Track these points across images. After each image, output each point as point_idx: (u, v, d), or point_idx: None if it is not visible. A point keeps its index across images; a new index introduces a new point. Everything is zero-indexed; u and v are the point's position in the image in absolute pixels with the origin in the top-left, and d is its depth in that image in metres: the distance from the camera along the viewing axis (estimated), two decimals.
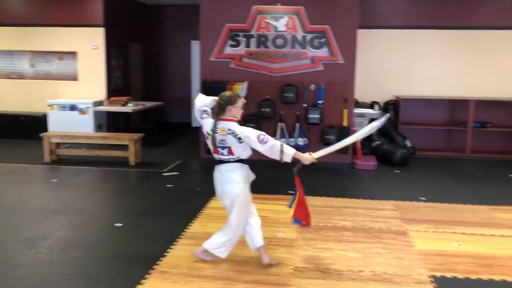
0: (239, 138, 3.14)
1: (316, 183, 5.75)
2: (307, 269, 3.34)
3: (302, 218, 3.41)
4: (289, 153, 3.13)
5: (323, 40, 6.45)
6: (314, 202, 4.91)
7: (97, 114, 8.33)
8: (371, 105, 7.95)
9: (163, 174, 6.13)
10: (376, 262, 3.47)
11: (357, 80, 7.92)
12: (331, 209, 4.74)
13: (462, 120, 7.73)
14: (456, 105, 7.95)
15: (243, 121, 6.53)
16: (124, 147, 6.70)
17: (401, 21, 7.95)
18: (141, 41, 10.53)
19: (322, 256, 3.57)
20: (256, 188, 5.40)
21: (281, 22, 6.47)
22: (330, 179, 6.07)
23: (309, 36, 6.46)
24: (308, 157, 3.20)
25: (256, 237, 3.40)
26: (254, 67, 6.60)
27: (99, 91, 8.66)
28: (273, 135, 6.60)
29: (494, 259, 3.55)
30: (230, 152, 3.20)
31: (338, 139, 6.45)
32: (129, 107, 8.19)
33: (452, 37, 7.89)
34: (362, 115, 6.91)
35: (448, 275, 3.27)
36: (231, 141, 3.17)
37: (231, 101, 3.23)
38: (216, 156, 3.29)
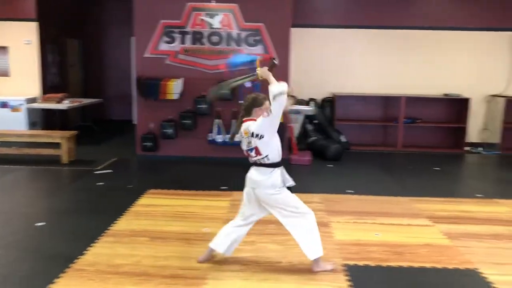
0: (257, 135, 3.01)
1: None
2: (227, 263, 3.40)
3: None
4: (280, 88, 3.02)
5: (257, 37, 6.53)
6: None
7: (30, 112, 8.05)
8: (307, 102, 8.14)
9: (95, 172, 6.01)
10: (295, 253, 3.56)
11: (295, 77, 8.10)
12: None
13: (395, 116, 8.07)
14: (389, 101, 8.28)
15: (179, 118, 6.59)
16: (58, 145, 6.51)
17: (337, 20, 8.17)
18: (80, 37, 10.25)
19: (243, 249, 3.63)
20: (188, 184, 5.48)
21: (216, 19, 6.50)
22: None
23: (244, 34, 6.53)
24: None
25: (217, 238, 3.35)
26: (190, 63, 6.60)
27: (33, 87, 8.36)
28: (209, 131, 6.65)
29: (406, 247, 3.75)
30: (258, 153, 3.07)
31: None
32: (65, 104, 7.97)
33: (386, 36, 8.20)
34: (298, 112, 7.04)
35: (361, 263, 3.43)
36: (254, 141, 3.04)
37: (257, 102, 3.10)
38: (250, 160, 3.18)
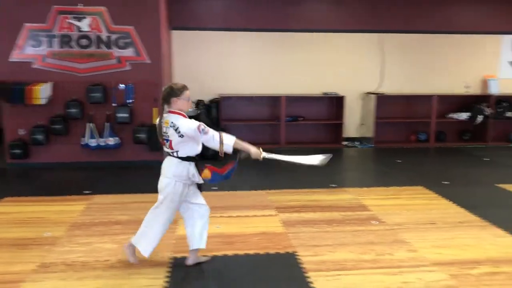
0: (179, 132, 3.07)
1: (125, 181, 5.87)
2: (53, 264, 3.39)
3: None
4: (229, 144, 3.13)
5: (128, 40, 6.54)
6: (102, 200, 5.01)
7: None
8: (196, 104, 8.26)
9: None
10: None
11: (181, 79, 8.19)
12: (117, 205, 4.83)
13: (279, 115, 8.40)
14: (273, 101, 8.61)
15: (50, 123, 6.44)
16: None
17: (221, 23, 8.37)
18: None
19: (77, 250, 3.65)
20: (53, 190, 5.39)
21: (84, 22, 6.42)
22: (140, 176, 6.19)
23: (114, 37, 6.51)
24: (256, 151, 3.23)
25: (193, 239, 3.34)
26: (59, 67, 6.47)
27: None
28: (82, 135, 6.55)
29: (240, 236, 3.95)
30: (170, 146, 3.15)
31: (149, 137, 6.65)
32: None
33: (268, 38, 8.52)
34: None
35: (188, 255, 3.55)
36: (171, 134, 3.10)
37: (174, 92, 3.15)
38: (164, 148, 3.25)
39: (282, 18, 8.50)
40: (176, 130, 3.10)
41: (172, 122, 3.13)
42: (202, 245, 3.36)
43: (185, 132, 3.08)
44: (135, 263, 3.37)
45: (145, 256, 3.32)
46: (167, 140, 3.17)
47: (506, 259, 3.50)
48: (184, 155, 3.18)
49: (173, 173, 3.20)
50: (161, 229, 3.31)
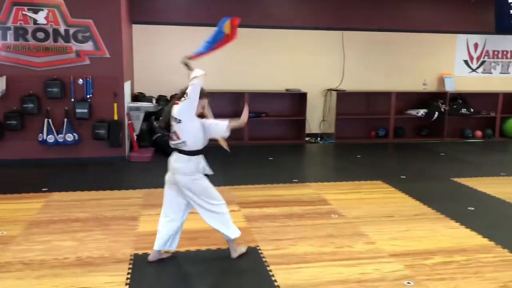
0: (175, 118, 3.11)
1: (84, 178, 5.76)
2: (9, 264, 3.30)
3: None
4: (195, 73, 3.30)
5: (87, 34, 6.38)
6: (60, 197, 4.89)
7: None
8: (157, 99, 8.16)
9: None
10: (87, 248, 3.58)
11: (142, 75, 8.12)
12: (76, 202, 4.73)
13: (241, 111, 8.39)
14: (236, 97, 8.62)
15: (4, 118, 6.21)
16: None
17: (182, 18, 8.28)
18: None
19: (35, 249, 3.56)
20: (6, 188, 5.21)
21: (41, 14, 6.22)
22: (100, 173, 6.08)
23: (72, 30, 6.34)
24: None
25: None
26: (14, 61, 6.24)
27: None
28: (39, 131, 6.36)
29: (203, 232, 3.92)
30: (177, 136, 3.15)
31: (109, 133, 6.54)
32: None
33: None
34: (138, 109, 7.03)
35: (150, 251, 3.53)
36: (174, 124, 3.16)
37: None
38: (171, 143, 3.24)
39: (245, 14, 8.45)
40: (174, 119, 3.18)
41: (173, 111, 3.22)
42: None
43: (179, 112, 3.13)
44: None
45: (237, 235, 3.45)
46: (173, 132, 3.21)
47: (458, 249, 3.66)
48: (193, 146, 3.18)
49: (185, 172, 3.22)
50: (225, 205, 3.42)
